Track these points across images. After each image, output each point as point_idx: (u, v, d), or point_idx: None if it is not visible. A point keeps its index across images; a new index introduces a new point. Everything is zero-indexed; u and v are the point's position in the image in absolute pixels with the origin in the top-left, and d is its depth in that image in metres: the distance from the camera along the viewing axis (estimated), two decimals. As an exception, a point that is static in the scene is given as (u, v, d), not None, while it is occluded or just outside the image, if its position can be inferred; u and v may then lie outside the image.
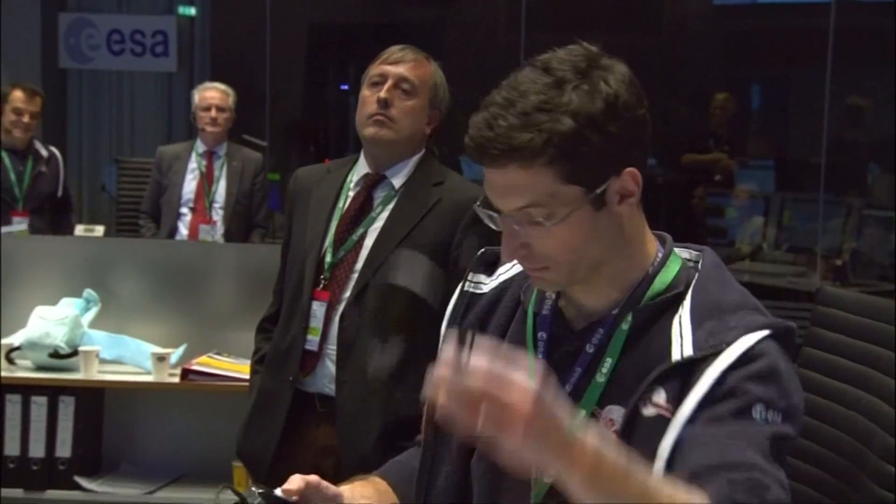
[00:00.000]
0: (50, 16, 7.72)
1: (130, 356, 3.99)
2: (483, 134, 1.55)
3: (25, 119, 5.79)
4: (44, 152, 6.06)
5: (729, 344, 1.55)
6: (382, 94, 2.86)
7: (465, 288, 1.80)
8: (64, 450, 3.90)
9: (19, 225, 5.66)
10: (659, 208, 7.82)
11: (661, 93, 7.96)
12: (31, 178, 5.95)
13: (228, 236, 5.71)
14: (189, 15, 8.26)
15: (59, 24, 7.77)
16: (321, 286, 2.88)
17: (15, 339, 3.96)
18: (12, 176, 5.85)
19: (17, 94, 5.77)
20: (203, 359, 3.90)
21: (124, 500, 3.84)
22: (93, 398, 3.99)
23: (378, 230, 2.89)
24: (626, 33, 8.33)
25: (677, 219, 7.76)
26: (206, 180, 5.75)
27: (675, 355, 1.57)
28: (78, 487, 3.88)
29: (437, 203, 2.88)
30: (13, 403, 3.88)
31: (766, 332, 1.56)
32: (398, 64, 2.92)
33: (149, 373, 3.90)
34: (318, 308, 2.87)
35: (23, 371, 3.93)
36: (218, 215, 5.74)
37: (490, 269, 1.81)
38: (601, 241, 1.60)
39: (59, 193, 6.14)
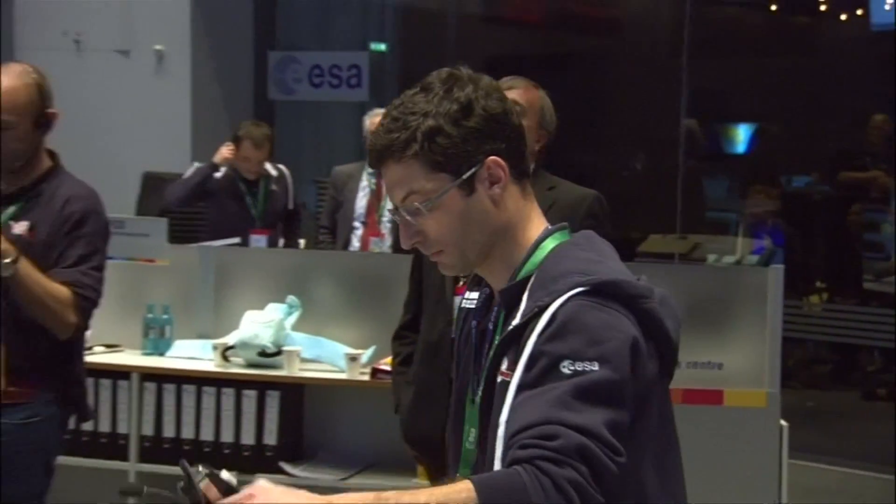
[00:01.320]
0: (261, 54, 7.96)
1: (327, 356, 4.07)
2: (370, 142, 1.71)
3: (253, 164, 5.93)
4: (273, 171, 6.12)
5: (542, 308, 1.56)
6: None
7: (462, 304, 1.86)
8: (270, 438, 3.99)
9: (258, 242, 5.75)
10: (816, 224, 7.57)
11: (818, 113, 7.70)
12: (265, 199, 6.08)
13: (395, 248, 5.76)
14: (380, 50, 8.43)
15: (269, 61, 8.01)
16: (461, 283, 2.97)
17: (229, 339, 4.07)
18: (248, 199, 6.02)
19: (247, 145, 5.88)
20: (390, 359, 3.96)
21: (323, 485, 3.85)
22: (295, 393, 4.07)
23: None
24: (784, 56, 8.09)
25: (835, 234, 7.50)
26: (376, 197, 5.81)
27: (511, 325, 1.62)
28: (282, 472, 3.96)
29: (553, 205, 2.98)
30: (227, 396, 4.00)
31: (575, 291, 1.56)
32: (509, 91, 3.00)
33: (343, 371, 3.97)
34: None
35: (236, 367, 4.05)
36: (386, 229, 5.78)
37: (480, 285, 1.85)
38: (479, 224, 1.67)
39: (291, 206, 6.23)
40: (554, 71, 8.34)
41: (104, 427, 4.03)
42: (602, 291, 1.57)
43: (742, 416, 3.93)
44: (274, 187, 6.11)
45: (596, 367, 1.51)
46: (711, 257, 6.72)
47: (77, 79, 6.95)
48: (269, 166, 6.13)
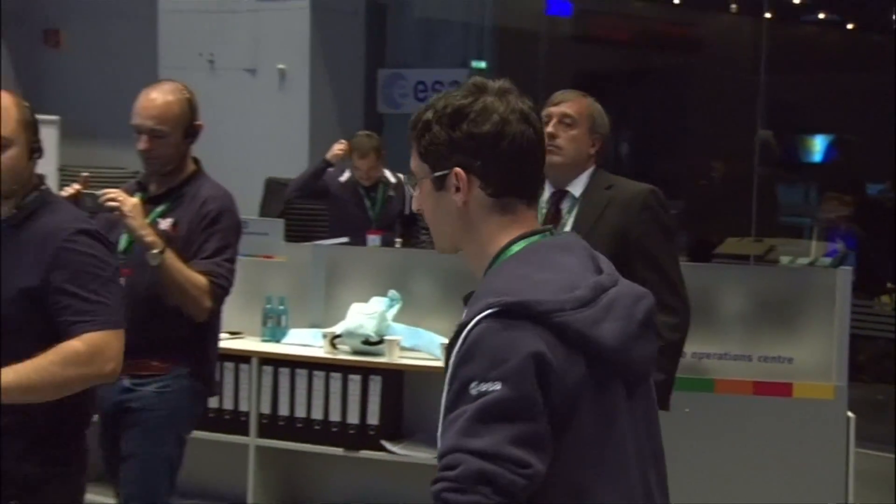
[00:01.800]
0: (371, 72, 8.03)
1: (424, 345, 4.07)
2: None
3: (363, 172, 5.95)
4: (392, 179, 6.14)
5: (461, 327, 1.52)
6: (549, 129, 3.00)
7: None
8: (373, 418, 4.00)
9: (373, 241, 5.81)
10: (888, 228, 7.33)
11: (891, 125, 7.45)
12: (382, 203, 6.09)
13: None
14: (480, 67, 8.42)
15: (378, 78, 8.07)
16: None
17: (337, 328, 4.10)
18: (367, 202, 6.05)
19: (354, 155, 5.92)
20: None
21: (421, 462, 3.88)
22: (395, 378, 4.07)
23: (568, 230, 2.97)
24: (859, 72, 7.86)
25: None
26: None
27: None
28: (384, 449, 3.97)
29: (610, 202, 3.06)
30: (335, 380, 4.03)
31: (485, 313, 1.49)
32: (560, 104, 3.10)
33: (438, 359, 3.94)
34: None
35: (343, 354, 4.06)
36: None
37: None
38: (445, 217, 1.66)
39: (406, 211, 6.20)
40: (639, 86, 8.24)
41: (227, 405, 4.10)
42: (510, 311, 1.49)
43: (810, 407, 3.83)
44: (391, 193, 6.13)
45: (498, 386, 1.45)
46: (786, 259, 6.57)
47: (210, 95, 7.03)
48: (388, 174, 6.15)
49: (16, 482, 2.35)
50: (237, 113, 7.41)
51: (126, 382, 3.00)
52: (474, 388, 1.47)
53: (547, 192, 3.12)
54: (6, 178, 2.33)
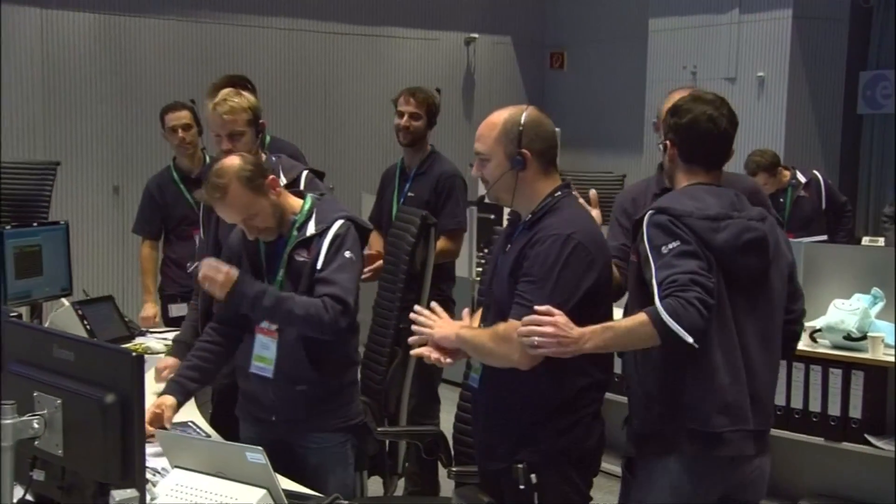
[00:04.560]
0: (852, 74, 7.51)
1: (911, 343, 3.77)
2: None
3: (770, 187, 5.61)
4: (802, 179, 5.87)
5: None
6: None
7: None
8: (855, 412, 3.81)
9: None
10: None
11: None
12: (792, 204, 5.81)
13: None
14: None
15: (860, 80, 7.53)
16: None
17: (817, 323, 3.95)
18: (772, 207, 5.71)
19: (759, 178, 5.56)
20: None
21: None
22: (879, 374, 3.82)
23: None
24: None
25: None
26: None
27: None
28: (867, 443, 3.77)
29: None
30: (815, 372, 3.89)
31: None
32: None
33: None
34: None
35: (822, 348, 3.91)
36: None
37: None
38: None
39: (823, 206, 5.88)
40: None
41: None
42: (665, 210, 2.38)
43: None
44: (802, 193, 5.76)
45: (677, 242, 2.28)
46: None
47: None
48: (798, 175, 5.79)
49: None
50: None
51: None
52: (664, 248, 2.25)
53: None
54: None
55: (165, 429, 2.48)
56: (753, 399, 2.30)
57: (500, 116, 2.37)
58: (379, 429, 3.06)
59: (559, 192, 2.36)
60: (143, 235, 4.34)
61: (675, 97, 2.62)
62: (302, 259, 2.68)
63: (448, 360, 2.35)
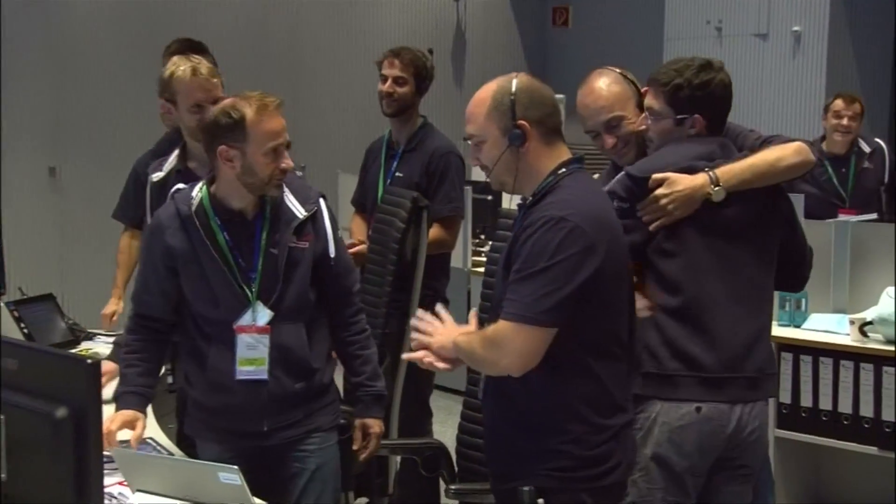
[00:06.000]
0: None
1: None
2: None
3: (845, 122, 5.59)
4: (866, 148, 5.71)
5: None
6: None
7: None
8: (888, 414, 3.83)
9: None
10: None
11: None
12: (855, 177, 5.68)
13: None
14: None
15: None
16: None
17: (867, 314, 3.95)
18: (835, 179, 5.65)
19: (837, 102, 5.60)
20: None
21: None
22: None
23: None
24: None
25: None
26: None
27: None
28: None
29: None
30: (866, 371, 3.90)
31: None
32: None
33: None
34: None
35: (873, 343, 3.91)
36: None
37: None
38: None
39: (885, 179, 5.75)
40: None
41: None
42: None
43: None
44: (866, 164, 5.68)
45: None
46: None
47: (718, 64, 7.09)
48: (862, 143, 5.70)
49: None
50: (747, 81, 7.34)
51: None
52: None
53: None
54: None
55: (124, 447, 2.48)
56: (713, 347, 2.56)
57: (488, 90, 2.35)
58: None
59: (563, 169, 2.33)
60: (124, 222, 4.26)
61: (596, 81, 2.91)
62: (303, 246, 2.73)
63: (443, 365, 2.36)
